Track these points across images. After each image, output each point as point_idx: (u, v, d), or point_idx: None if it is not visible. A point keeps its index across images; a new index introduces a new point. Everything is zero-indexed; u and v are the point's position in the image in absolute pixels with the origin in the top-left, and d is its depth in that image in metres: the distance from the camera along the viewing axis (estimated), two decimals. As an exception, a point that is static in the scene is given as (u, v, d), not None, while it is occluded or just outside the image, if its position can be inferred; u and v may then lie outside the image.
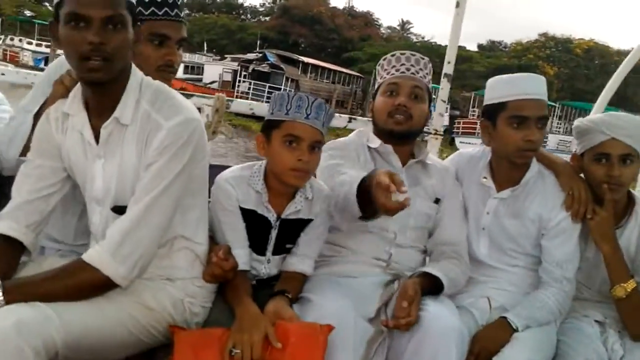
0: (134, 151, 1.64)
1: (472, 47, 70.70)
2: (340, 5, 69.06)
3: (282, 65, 39.36)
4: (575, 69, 59.45)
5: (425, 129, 2.53)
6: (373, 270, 2.10)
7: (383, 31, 73.78)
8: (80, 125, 1.68)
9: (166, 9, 1.94)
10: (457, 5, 3.07)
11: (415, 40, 69.08)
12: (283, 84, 37.12)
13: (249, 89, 36.72)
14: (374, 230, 2.11)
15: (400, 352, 1.86)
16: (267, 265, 2.01)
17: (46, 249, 2.01)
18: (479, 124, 2.31)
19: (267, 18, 68.84)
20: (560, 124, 39.20)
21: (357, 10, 69.53)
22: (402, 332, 1.85)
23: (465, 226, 2.23)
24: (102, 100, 1.64)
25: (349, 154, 2.19)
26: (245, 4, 76.69)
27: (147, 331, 1.68)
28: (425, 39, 69.88)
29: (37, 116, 1.83)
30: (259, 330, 1.66)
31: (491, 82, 2.19)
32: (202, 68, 43.67)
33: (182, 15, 1.99)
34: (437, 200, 2.21)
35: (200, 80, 39.92)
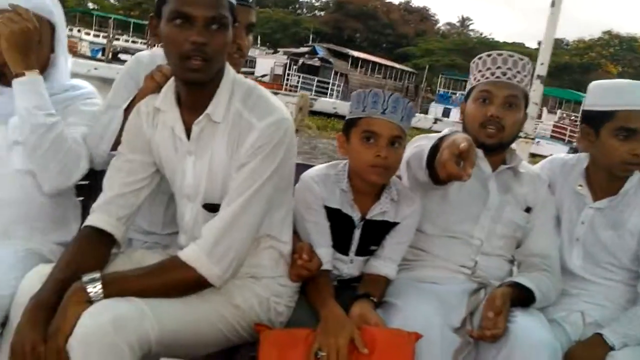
0: (224, 149, 1.64)
1: (533, 44, 68.83)
2: (396, 1, 68.00)
3: (331, 59, 39.11)
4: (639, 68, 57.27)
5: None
6: (458, 277, 2.03)
7: (442, 27, 72.66)
8: (172, 121, 1.69)
9: None
10: (553, 4, 3.00)
11: (472, 36, 67.50)
12: (332, 77, 36.84)
13: (297, 82, 36.68)
14: (459, 236, 2.05)
15: None
16: (349, 266, 2.00)
17: (134, 241, 2.06)
18: (578, 128, 2.17)
19: (322, 13, 68.74)
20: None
21: (413, 5, 68.73)
22: (489, 343, 1.79)
23: (558, 238, 2.13)
24: (195, 97, 1.65)
25: None
26: (300, -1, 76.41)
27: (234, 329, 1.69)
28: (484, 36, 68.20)
29: (127, 111, 1.85)
30: (345, 334, 1.64)
31: (596, 87, 2.08)
32: (255, 61, 43.86)
33: (250, 1, 2.00)
34: (528, 209, 2.11)
35: (252, 73, 40.11)
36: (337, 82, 34.89)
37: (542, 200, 2.13)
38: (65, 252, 1.64)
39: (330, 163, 2.05)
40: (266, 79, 38.45)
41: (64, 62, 2.04)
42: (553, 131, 29.74)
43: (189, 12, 1.51)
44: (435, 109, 36.34)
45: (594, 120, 2.02)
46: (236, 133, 1.63)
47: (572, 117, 35.23)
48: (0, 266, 1.69)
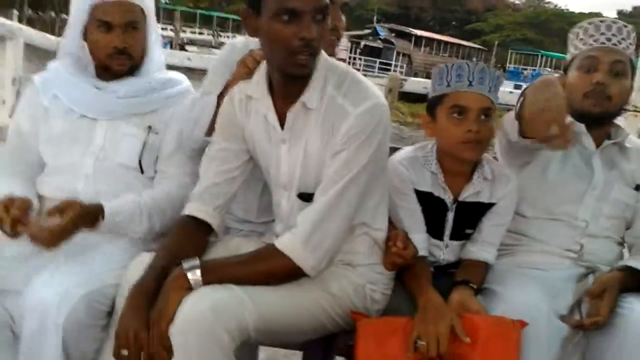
0: (318, 136, 1.62)
1: (612, 14, 65.71)
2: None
3: (393, 40, 38.51)
4: None
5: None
6: (563, 262, 1.92)
7: (517, 1, 70.17)
8: (265, 108, 1.68)
9: None
10: None
11: (547, 8, 64.92)
12: (394, 59, 36.26)
13: (360, 65, 36.32)
14: (561, 218, 1.94)
15: (598, 355, 1.71)
16: (445, 251, 1.94)
17: (231, 230, 2.06)
18: None
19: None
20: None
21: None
22: (599, 332, 1.69)
23: None
24: (290, 86, 1.63)
25: None
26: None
27: (330, 317, 1.68)
28: (558, 7, 65.54)
29: (220, 97, 1.86)
30: (444, 322, 1.59)
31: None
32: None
33: None
34: (637, 187, 1.98)
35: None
36: (399, 63, 34.39)
37: None
38: (165, 241, 1.67)
39: (418, 145, 1.98)
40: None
41: (159, 53, 2.07)
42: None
43: (296, 7, 1.47)
44: (506, 87, 35.43)
45: None
46: (331, 120, 1.60)
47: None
48: (105, 257, 1.74)
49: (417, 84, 2.90)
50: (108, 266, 1.70)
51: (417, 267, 1.79)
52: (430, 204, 1.89)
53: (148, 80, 1.98)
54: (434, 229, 1.91)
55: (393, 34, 40.01)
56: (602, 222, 1.94)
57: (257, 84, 1.69)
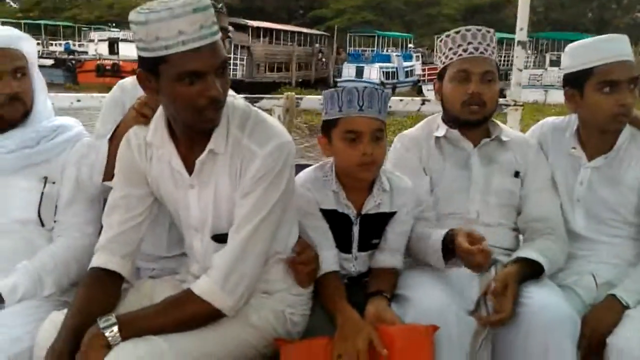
0: (227, 179, 1.65)
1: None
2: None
3: (230, 34, 38.22)
4: (548, -1, 58.29)
5: (503, 101, 2.68)
6: None
7: None
8: (167, 156, 1.67)
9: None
10: None
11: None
12: (232, 52, 36.11)
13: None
14: (455, 213, 2.10)
15: (507, 345, 1.83)
16: (355, 263, 2.02)
17: (141, 270, 2.05)
18: (564, 93, 2.19)
19: (232, -13, 67.14)
20: (529, 59, 38.47)
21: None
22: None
23: (557, 199, 2.17)
24: (196, 135, 1.62)
25: (416, 147, 2.19)
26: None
27: (254, 348, 1.72)
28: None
29: (111, 140, 1.84)
30: (362, 338, 1.67)
31: (571, 48, 2.14)
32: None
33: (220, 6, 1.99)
34: (516, 174, 2.15)
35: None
36: (238, 56, 34.17)
37: (532, 163, 2.17)
38: (75, 297, 1.65)
39: (317, 165, 2.06)
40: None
41: (45, 99, 2.03)
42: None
43: (198, 69, 1.48)
44: (348, 69, 36.11)
45: (576, 81, 2.07)
46: (238, 161, 1.63)
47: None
48: (15, 319, 1.71)
49: (312, 102, 2.94)
50: (19, 329, 1.67)
51: (330, 284, 1.87)
52: (336, 221, 1.96)
53: (37, 129, 1.94)
54: (343, 244, 1.98)
55: (231, 28, 39.74)
56: (492, 211, 2.10)
57: (156, 131, 1.67)
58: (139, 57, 1.54)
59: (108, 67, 32.69)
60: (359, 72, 36.12)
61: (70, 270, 1.90)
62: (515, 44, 3.07)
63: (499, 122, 2.24)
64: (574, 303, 1.94)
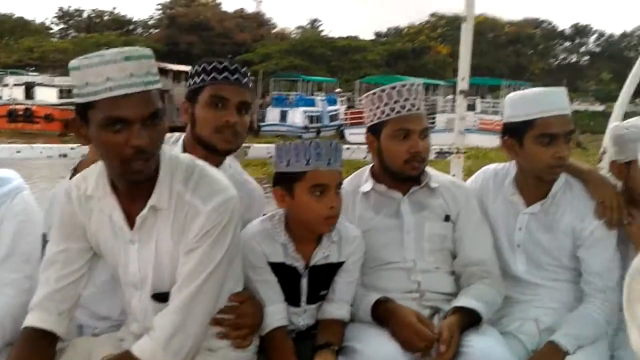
0: (169, 235, 1.61)
1: (369, 35, 71.17)
2: (231, 10, 67.45)
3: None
4: (467, 45, 60.56)
5: (447, 149, 2.78)
6: (409, 306, 2.03)
7: (295, 31, 72.73)
8: (109, 209, 1.63)
9: (226, 73, 1.96)
10: (465, 20, 2.99)
11: (311, 35, 68.21)
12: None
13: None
14: (392, 262, 2.12)
15: None
16: (303, 317, 2.00)
17: (84, 327, 1.98)
18: (501, 142, 2.24)
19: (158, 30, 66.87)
20: (447, 103, 39.55)
21: (248, 12, 68.34)
22: None
23: (490, 239, 2.21)
24: (134, 188, 1.60)
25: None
26: (134, 19, 73.80)
27: None
28: (325, 35, 69.32)
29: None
30: None
31: (512, 99, 2.19)
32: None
33: (244, 81, 1.99)
34: (447, 218, 2.18)
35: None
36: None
37: (462, 206, 2.20)
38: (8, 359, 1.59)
39: (266, 216, 2.03)
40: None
41: None
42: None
43: (123, 116, 1.45)
44: (272, 113, 36.12)
45: (516, 131, 2.12)
46: (181, 218, 1.59)
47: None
48: None
49: (261, 150, 2.83)
50: None
51: (278, 340, 1.86)
52: (284, 274, 1.94)
53: None
54: (291, 297, 1.96)
55: (152, 72, 38.84)
56: (427, 257, 2.12)
57: (97, 184, 1.63)
58: (74, 103, 1.53)
59: (20, 112, 31.65)
60: (283, 116, 36.27)
61: (5, 329, 1.81)
62: (457, 92, 3.10)
63: (427, 169, 2.24)
64: (516, 350, 1.99)
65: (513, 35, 61.02)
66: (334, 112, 38.43)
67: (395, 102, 2.11)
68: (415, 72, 54.63)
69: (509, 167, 2.30)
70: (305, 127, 36.52)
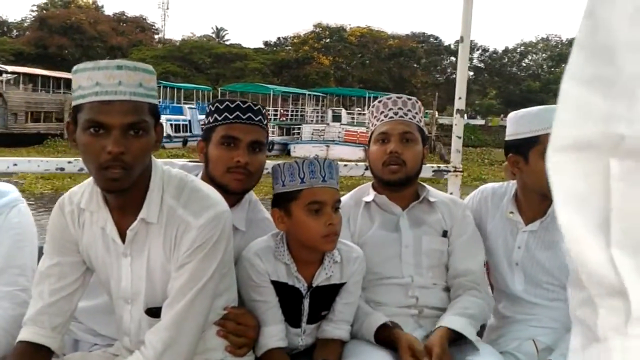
0: (161, 249, 1.64)
1: (259, 44, 69.96)
2: (111, 12, 64.30)
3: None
4: (350, 57, 60.56)
5: (444, 167, 2.90)
6: (407, 323, 2.08)
7: (203, 39, 70.05)
8: (102, 222, 1.66)
9: (237, 113, 1.99)
10: (462, 40, 2.96)
11: (194, 41, 65.83)
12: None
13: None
14: (389, 277, 2.14)
15: None
16: (303, 337, 2.01)
17: (80, 343, 2.00)
18: (506, 159, 2.25)
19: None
20: (313, 114, 38.83)
21: (128, 15, 65.37)
22: None
23: (481, 254, 2.26)
24: (124, 200, 1.62)
25: (344, 215, 2.14)
26: (10, 20, 68.97)
27: None
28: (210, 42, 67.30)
29: None
30: None
31: (516, 116, 2.23)
32: None
33: (257, 120, 2.00)
34: (444, 233, 2.23)
35: None
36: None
37: (458, 221, 2.25)
38: None
39: (271, 234, 2.01)
40: None
41: None
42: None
43: (104, 121, 1.48)
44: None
45: (520, 148, 2.17)
46: (172, 232, 1.62)
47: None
48: None
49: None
50: None
51: None
52: (286, 294, 1.94)
53: None
54: (291, 317, 1.97)
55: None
56: (425, 273, 2.17)
57: (91, 196, 1.66)
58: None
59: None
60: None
61: (0, 343, 1.79)
62: (455, 111, 3.03)
63: (425, 185, 2.32)
64: None
65: (396, 49, 61.54)
66: (208, 121, 37.43)
67: (381, 112, 2.23)
68: (298, 81, 53.97)
69: (507, 186, 2.36)
70: (169, 137, 35.10)
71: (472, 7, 2.90)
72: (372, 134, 2.23)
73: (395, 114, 2.17)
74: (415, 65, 63.83)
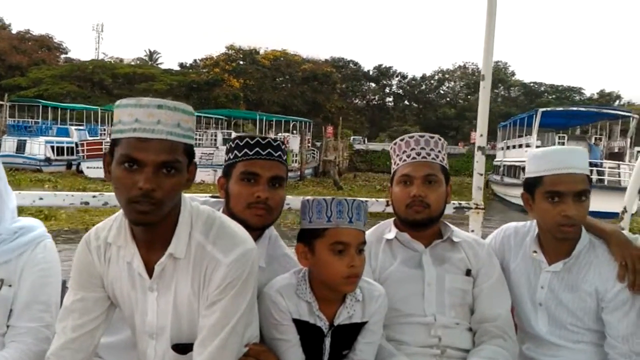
0: (188, 285, 1.64)
1: (173, 66, 67.96)
2: (15, 30, 61.13)
3: None
4: (261, 80, 59.29)
5: (465, 204, 2.82)
6: None
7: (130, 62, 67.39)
8: (129, 256, 1.65)
9: (257, 149, 2.01)
10: (483, 78, 2.93)
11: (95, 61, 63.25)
12: None
13: None
14: (411, 315, 2.11)
15: None
16: None
17: None
18: (521, 195, 2.27)
19: None
20: (203, 137, 37.29)
21: (33, 34, 62.27)
22: None
23: (508, 299, 2.23)
24: (152, 235, 1.62)
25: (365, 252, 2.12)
26: None
27: None
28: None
29: None
30: None
31: (530, 155, 2.26)
32: None
33: (277, 155, 1.99)
34: (468, 272, 2.20)
35: None
36: None
37: (484, 261, 2.23)
38: None
39: (291, 272, 1.98)
40: None
41: (7, 200, 1.93)
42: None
43: (138, 157, 1.49)
44: (6, 144, 31.91)
45: (529, 187, 2.20)
46: (202, 269, 1.62)
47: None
48: None
49: None
50: None
51: None
52: (307, 332, 1.92)
53: None
54: (312, 356, 1.93)
55: None
56: (448, 312, 2.14)
57: (118, 232, 1.66)
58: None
59: None
60: (21, 147, 32.37)
61: None
62: (475, 149, 2.99)
63: (449, 224, 2.30)
64: None
65: (309, 73, 60.70)
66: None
67: (404, 152, 2.20)
68: (208, 104, 52.39)
69: (530, 225, 2.35)
70: (48, 160, 32.49)
71: (493, 46, 2.89)
72: (394, 173, 2.23)
73: (418, 154, 2.17)
74: (330, 89, 63.06)
